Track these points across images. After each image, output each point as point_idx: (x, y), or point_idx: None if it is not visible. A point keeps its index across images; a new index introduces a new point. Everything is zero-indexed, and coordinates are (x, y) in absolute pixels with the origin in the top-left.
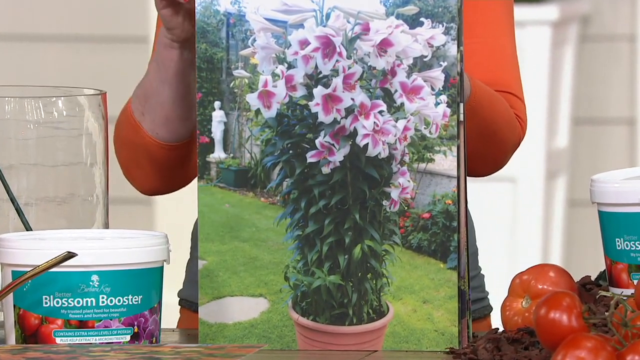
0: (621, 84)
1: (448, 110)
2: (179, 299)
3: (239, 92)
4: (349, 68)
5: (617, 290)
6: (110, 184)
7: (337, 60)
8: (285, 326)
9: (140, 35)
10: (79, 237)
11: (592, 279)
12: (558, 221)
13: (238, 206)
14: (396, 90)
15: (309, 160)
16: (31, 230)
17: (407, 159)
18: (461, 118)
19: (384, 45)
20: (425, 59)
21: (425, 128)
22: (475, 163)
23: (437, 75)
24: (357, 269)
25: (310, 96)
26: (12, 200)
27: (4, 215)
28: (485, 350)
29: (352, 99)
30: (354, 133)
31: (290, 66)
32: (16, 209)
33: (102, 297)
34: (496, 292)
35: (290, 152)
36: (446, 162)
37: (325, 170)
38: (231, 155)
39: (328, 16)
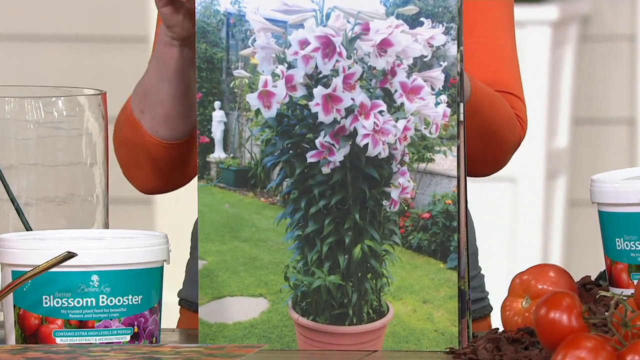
0: (621, 84)
1: (448, 110)
2: (179, 299)
3: (239, 92)
4: (349, 68)
5: (617, 290)
6: (110, 184)
7: (337, 60)
8: (285, 326)
9: (140, 35)
10: (79, 237)
11: (592, 279)
12: (558, 221)
13: (238, 206)
14: (396, 90)
15: (309, 160)
16: (31, 230)
17: (407, 159)
18: (461, 118)
19: (384, 45)
20: (425, 59)
21: (425, 128)
22: (475, 163)
23: (437, 75)
24: (357, 269)
25: (310, 96)
26: (12, 200)
27: (4, 215)
28: (485, 350)
29: (352, 99)
30: (354, 133)
31: (290, 66)
32: (16, 209)
33: (102, 297)
34: (496, 292)
35: (290, 152)
36: (446, 162)
37: (325, 170)
38: (231, 155)
39: (328, 16)
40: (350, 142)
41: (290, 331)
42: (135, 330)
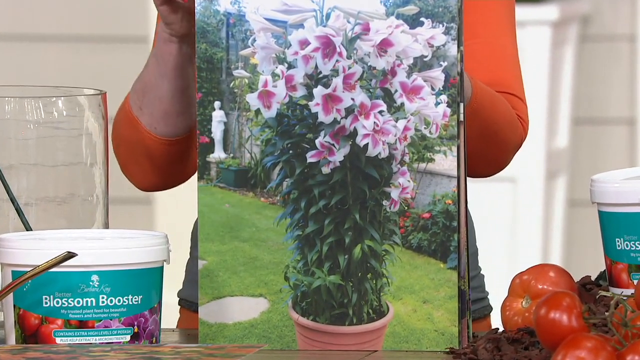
0: (621, 84)
1: (448, 110)
2: (178, 299)
3: (239, 92)
4: (349, 68)
5: (617, 290)
6: (110, 183)
7: (337, 60)
8: (285, 326)
9: (140, 35)
10: (79, 237)
11: (592, 279)
12: (558, 221)
13: (238, 206)
14: (396, 90)
15: (309, 160)
16: (31, 230)
17: (407, 159)
18: (461, 118)
19: (384, 45)
20: (425, 59)
21: (425, 128)
22: (477, 164)
23: (437, 75)
24: (357, 269)
25: (310, 96)
26: (12, 200)
27: (4, 215)
28: (485, 350)
29: (352, 99)
30: (354, 133)
31: (290, 66)
32: (16, 209)
33: (102, 297)
34: (496, 292)
35: (290, 152)
36: (446, 162)
37: (325, 170)
38: (231, 155)
39: (328, 16)
40: (350, 142)
41: (290, 331)
42: (135, 330)
